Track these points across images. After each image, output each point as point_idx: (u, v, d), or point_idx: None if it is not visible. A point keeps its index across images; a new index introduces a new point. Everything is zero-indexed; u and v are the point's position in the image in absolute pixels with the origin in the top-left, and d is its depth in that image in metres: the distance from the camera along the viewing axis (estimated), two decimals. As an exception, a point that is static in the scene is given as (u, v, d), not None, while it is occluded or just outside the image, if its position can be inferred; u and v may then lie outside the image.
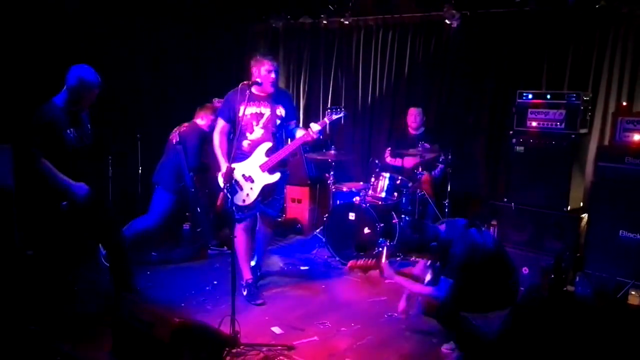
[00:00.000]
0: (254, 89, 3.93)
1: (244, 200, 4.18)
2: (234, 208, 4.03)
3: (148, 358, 3.02)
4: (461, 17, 5.65)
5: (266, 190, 4.23)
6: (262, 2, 6.81)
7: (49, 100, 3.60)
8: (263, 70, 4.08)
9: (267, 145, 4.16)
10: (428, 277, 3.42)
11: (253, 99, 4.08)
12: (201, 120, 5.20)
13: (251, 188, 4.17)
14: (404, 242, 3.53)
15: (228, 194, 3.72)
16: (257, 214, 4.39)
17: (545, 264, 4.31)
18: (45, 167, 3.50)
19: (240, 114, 3.94)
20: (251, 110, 4.12)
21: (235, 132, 4.09)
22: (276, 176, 4.19)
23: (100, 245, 4.52)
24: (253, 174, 4.15)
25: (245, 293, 4.30)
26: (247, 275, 4.38)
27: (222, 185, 3.95)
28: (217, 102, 6.53)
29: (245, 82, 3.79)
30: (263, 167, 4.14)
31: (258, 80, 3.94)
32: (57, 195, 3.61)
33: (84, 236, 3.95)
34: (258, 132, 4.17)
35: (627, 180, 4.25)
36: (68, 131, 3.58)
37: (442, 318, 3.27)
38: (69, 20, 5.41)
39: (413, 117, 5.73)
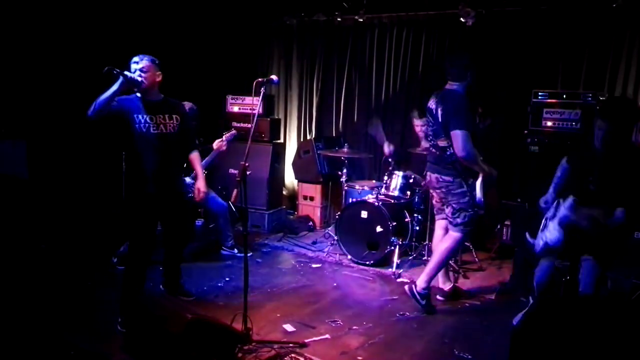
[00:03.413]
0: None
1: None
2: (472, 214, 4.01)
3: (161, 353, 3.04)
4: (476, 15, 5.60)
5: None
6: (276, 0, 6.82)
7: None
8: None
9: None
10: None
11: None
12: None
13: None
14: None
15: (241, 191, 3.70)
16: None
17: (560, 264, 4.27)
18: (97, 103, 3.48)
19: None
20: None
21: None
22: None
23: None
24: None
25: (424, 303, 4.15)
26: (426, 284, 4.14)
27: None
28: (230, 99, 6.58)
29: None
30: None
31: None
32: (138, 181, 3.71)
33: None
34: None
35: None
36: (139, 116, 3.62)
37: None
38: (81, 17, 5.45)
39: (419, 128, 5.56)
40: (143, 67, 3.62)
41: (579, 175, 3.47)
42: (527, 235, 3.70)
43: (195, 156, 4.07)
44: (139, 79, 3.57)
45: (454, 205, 4.03)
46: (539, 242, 3.58)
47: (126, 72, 3.48)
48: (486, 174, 3.97)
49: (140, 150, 3.66)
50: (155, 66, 3.70)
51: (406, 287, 4.23)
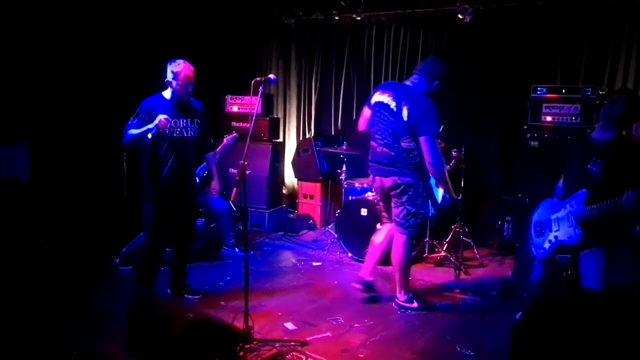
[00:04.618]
0: None
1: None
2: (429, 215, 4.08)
3: (163, 352, 3.04)
4: (474, 12, 5.60)
5: None
6: (274, -1, 6.83)
7: (156, 94, 3.84)
8: None
9: None
10: None
11: None
12: None
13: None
14: None
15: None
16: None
17: (560, 260, 4.26)
18: (129, 136, 3.64)
19: None
20: None
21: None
22: None
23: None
24: None
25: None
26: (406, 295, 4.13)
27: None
28: (229, 99, 6.58)
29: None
30: None
31: None
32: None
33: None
34: None
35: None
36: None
37: None
38: (81, 20, 5.45)
39: None
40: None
41: (582, 164, 3.23)
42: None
43: (211, 156, 4.29)
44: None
45: (408, 207, 3.89)
46: (544, 245, 3.40)
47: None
48: (447, 193, 3.96)
49: (161, 152, 3.74)
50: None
51: (393, 304, 4.15)
